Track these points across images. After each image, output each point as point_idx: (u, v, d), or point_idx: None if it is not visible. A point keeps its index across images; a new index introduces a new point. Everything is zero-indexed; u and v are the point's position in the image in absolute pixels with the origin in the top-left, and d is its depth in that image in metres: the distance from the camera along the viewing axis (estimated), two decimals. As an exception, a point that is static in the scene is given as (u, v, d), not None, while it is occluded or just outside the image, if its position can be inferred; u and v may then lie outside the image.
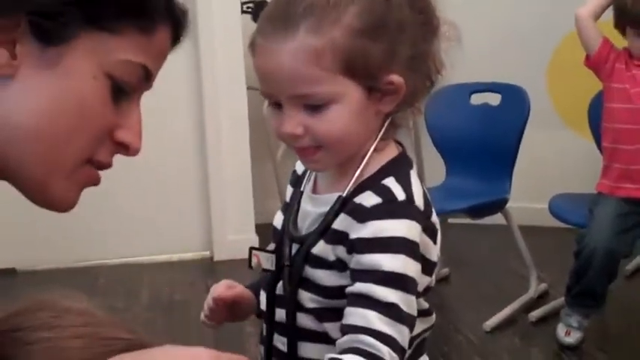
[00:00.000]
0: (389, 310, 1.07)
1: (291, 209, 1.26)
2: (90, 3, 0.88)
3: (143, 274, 3.91)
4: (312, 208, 1.21)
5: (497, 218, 3.42)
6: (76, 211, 0.96)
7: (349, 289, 1.11)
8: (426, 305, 1.22)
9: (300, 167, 1.30)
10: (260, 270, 1.26)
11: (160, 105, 4.05)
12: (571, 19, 3.06)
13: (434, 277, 1.20)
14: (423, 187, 1.17)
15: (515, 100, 3.32)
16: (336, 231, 1.15)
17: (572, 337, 2.97)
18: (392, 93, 1.13)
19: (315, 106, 1.10)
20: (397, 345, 1.07)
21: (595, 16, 2.94)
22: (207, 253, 4.20)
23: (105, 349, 0.84)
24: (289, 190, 1.30)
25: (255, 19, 4.13)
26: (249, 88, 4.12)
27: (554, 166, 4.17)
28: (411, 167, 1.19)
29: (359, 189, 1.15)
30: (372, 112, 1.14)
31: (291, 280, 1.19)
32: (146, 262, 4.04)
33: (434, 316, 1.25)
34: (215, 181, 4.15)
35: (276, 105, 1.14)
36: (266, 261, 1.24)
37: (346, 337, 1.08)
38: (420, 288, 1.14)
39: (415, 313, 1.11)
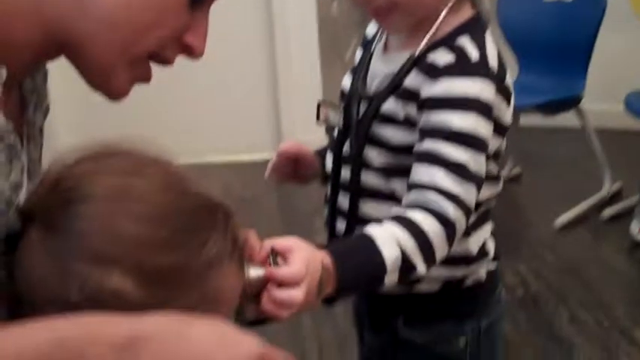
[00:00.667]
0: (457, 168, 1.06)
1: (360, 70, 1.23)
2: None
3: (213, 173, 3.95)
4: (383, 67, 1.19)
5: (570, 120, 3.36)
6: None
7: (417, 147, 1.09)
8: (495, 170, 1.19)
9: (370, 30, 1.28)
10: (327, 125, 1.26)
11: (228, 5, 4.04)
12: None
13: (504, 141, 1.18)
14: (497, 49, 1.14)
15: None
16: (407, 88, 1.13)
17: (646, 235, 2.95)
18: None
19: None
20: (463, 204, 1.06)
21: None
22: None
23: (190, 204, 0.84)
24: (358, 54, 1.28)
25: None
26: (318, -13, 4.09)
27: (629, 66, 4.06)
28: (486, 29, 1.15)
29: (432, 47, 1.12)
30: None
31: (358, 137, 1.18)
32: (216, 162, 4.08)
33: (501, 182, 1.22)
34: (284, 82, 4.16)
35: None
36: (334, 116, 1.24)
37: (412, 194, 1.07)
38: (490, 151, 1.12)
39: (484, 174, 1.09)
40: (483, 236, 1.22)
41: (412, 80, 1.12)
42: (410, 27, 1.16)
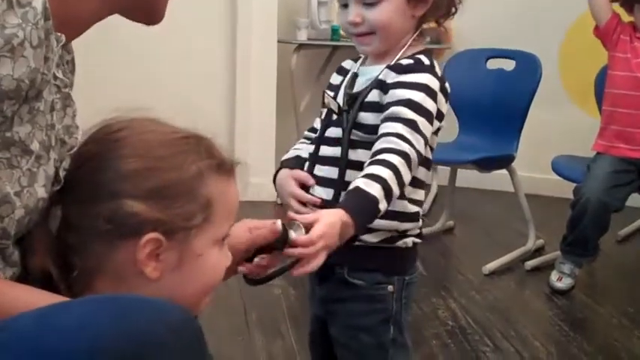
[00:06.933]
0: (410, 123, 1.51)
1: (346, 79, 1.70)
2: None
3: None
4: (361, 78, 1.66)
5: (503, 185, 3.64)
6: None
7: (384, 114, 1.54)
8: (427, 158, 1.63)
9: (346, 64, 1.77)
10: (327, 108, 1.69)
11: (196, 49, 4.31)
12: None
13: (443, 123, 1.62)
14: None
15: (528, 66, 3.58)
16: (380, 80, 1.59)
17: (564, 283, 3.25)
18: (423, 1, 1.60)
19: (370, 3, 1.59)
20: (413, 146, 1.50)
21: None
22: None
23: (168, 137, 1.13)
24: (335, 76, 1.76)
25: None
26: (279, 41, 4.37)
27: (555, 137, 4.42)
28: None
29: (399, 60, 1.62)
30: (408, 13, 1.61)
31: (348, 123, 1.61)
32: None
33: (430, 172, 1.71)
34: (241, 126, 4.43)
35: (344, 6, 1.64)
36: (332, 103, 1.66)
37: (379, 142, 1.51)
38: (433, 129, 1.57)
39: (428, 135, 1.54)
40: (417, 199, 1.65)
41: (384, 75, 1.61)
42: (379, 52, 1.64)
